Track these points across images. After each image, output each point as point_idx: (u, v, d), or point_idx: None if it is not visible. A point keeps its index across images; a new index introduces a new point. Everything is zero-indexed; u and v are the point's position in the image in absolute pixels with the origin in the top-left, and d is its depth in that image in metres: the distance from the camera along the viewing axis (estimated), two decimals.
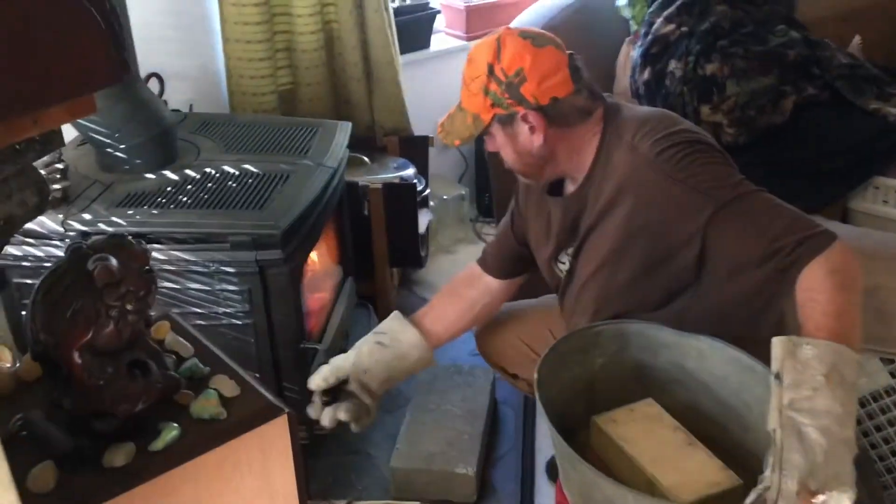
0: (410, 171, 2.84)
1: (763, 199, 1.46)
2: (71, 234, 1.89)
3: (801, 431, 1.14)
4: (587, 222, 1.66)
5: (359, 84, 2.93)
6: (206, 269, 1.92)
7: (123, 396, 1.10)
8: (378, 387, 1.91)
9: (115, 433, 1.11)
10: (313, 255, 2.25)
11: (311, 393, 1.90)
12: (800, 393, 1.16)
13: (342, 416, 1.85)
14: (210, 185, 2.06)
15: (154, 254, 1.90)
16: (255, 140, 2.32)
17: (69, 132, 2.18)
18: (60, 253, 1.93)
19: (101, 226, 1.89)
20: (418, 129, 3.09)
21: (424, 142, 3.04)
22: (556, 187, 1.75)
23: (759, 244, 1.41)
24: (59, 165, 1.92)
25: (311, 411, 1.89)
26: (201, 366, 1.25)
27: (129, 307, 1.10)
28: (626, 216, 1.56)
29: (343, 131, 2.39)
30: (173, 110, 2.46)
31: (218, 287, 1.94)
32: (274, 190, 2.03)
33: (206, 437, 1.06)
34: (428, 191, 2.94)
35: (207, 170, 2.11)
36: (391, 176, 2.78)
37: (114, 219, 1.90)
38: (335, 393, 1.91)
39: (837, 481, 1.11)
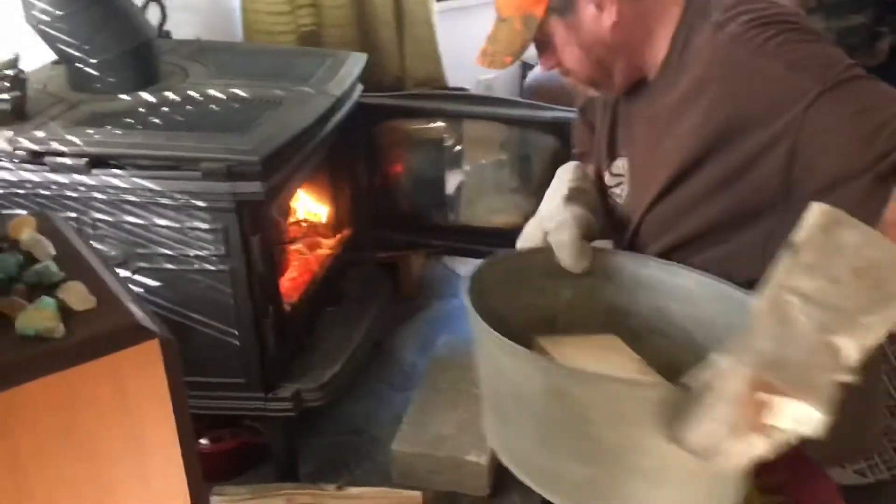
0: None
1: (881, 89, 1.09)
2: (19, 153, 1.63)
3: (789, 317, 0.85)
4: (658, 124, 1.29)
5: (389, 28, 2.64)
6: (174, 202, 1.63)
7: None
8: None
9: None
10: (312, 199, 1.95)
11: None
12: (813, 279, 0.86)
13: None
14: (189, 107, 1.77)
15: (115, 181, 1.63)
16: (253, 67, 2.03)
17: (47, 53, 1.92)
18: (9, 176, 1.67)
19: (54, 145, 1.62)
20: (454, 82, 2.77)
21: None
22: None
23: (866, 146, 1.04)
24: (9, 72, 1.64)
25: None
26: (55, 270, 0.93)
27: None
28: (707, 111, 1.18)
29: (356, 62, 2.08)
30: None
31: (188, 224, 1.65)
32: (262, 116, 1.73)
33: (30, 361, 0.74)
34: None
35: (190, 93, 1.83)
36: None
37: (69, 137, 1.62)
38: None
39: (806, 389, 0.82)
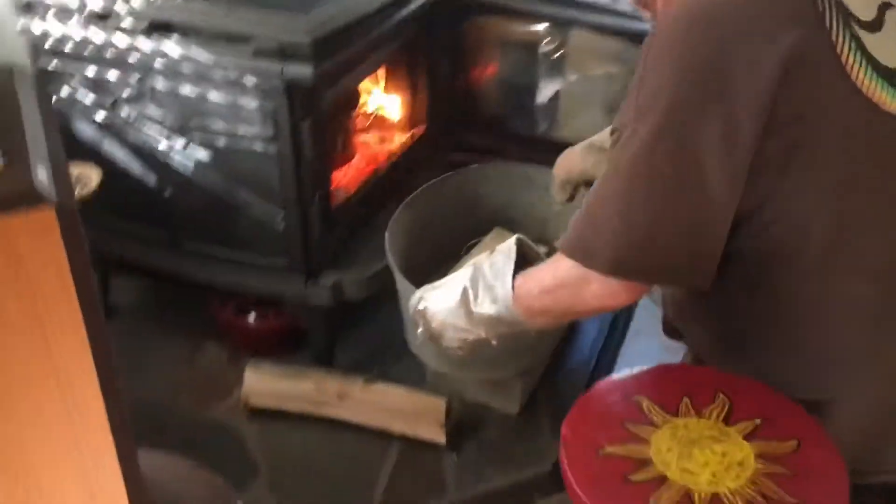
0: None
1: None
2: (86, 11, 1.65)
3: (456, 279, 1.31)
4: None
5: None
6: (226, 77, 1.61)
7: None
8: None
9: None
10: (379, 92, 1.89)
11: None
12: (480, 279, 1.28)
13: None
14: None
15: (172, 49, 1.62)
16: None
17: None
18: (77, 34, 1.70)
19: (118, 6, 1.62)
20: None
21: None
22: None
23: None
24: None
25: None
26: None
27: None
28: None
29: None
30: None
31: (239, 101, 1.64)
32: None
33: None
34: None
35: None
36: None
37: (132, 1, 1.62)
38: None
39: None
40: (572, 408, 1.23)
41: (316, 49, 1.54)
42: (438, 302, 1.33)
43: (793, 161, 1.04)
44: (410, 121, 2.15)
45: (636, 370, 1.30)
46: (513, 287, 1.22)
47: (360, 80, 1.82)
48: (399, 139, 2.13)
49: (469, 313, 1.28)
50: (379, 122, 2.14)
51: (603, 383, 1.28)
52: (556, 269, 1.17)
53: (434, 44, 2.07)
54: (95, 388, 0.79)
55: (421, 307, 1.36)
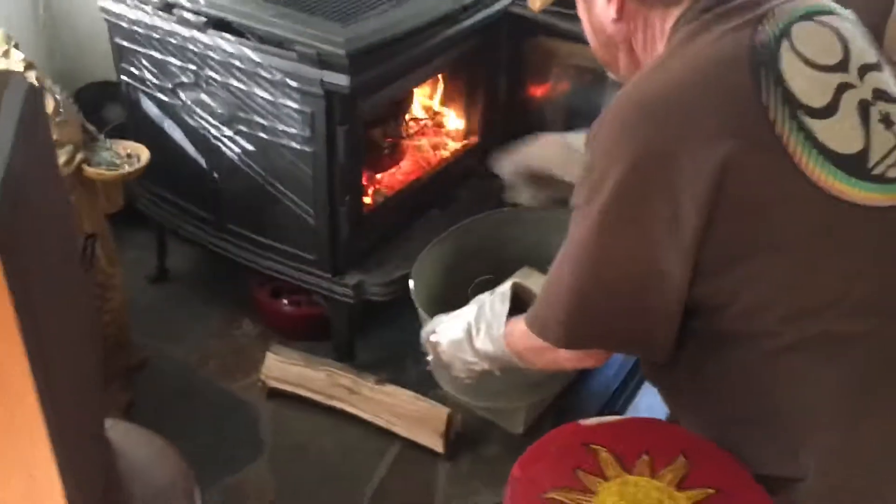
0: None
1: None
2: (153, 1, 1.76)
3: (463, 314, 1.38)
4: None
5: None
6: (272, 77, 1.69)
7: None
8: None
9: None
10: (425, 102, 1.93)
11: None
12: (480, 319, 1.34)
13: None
14: None
15: (225, 45, 1.71)
16: None
17: None
18: (146, 19, 1.81)
19: (180, 0, 1.72)
20: None
21: None
22: None
23: None
24: None
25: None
26: None
27: None
28: None
29: None
30: None
31: (282, 101, 1.71)
32: (378, 9, 1.72)
33: None
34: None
35: None
36: None
37: None
38: None
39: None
40: (530, 447, 1.26)
41: (352, 61, 1.59)
42: (447, 334, 1.40)
43: (743, 250, 1.04)
44: (464, 132, 2.18)
45: (608, 418, 1.31)
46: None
47: (407, 90, 1.86)
48: (450, 149, 2.16)
49: (473, 347, 1.34)
50: (432, 130, 2.18)
51: (569, 426, 1.28)
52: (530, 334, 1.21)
53: (495, 59, 2.09)
54: (24, 366, 0.86)
55: (433, 339, 1.43)
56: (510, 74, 2.14)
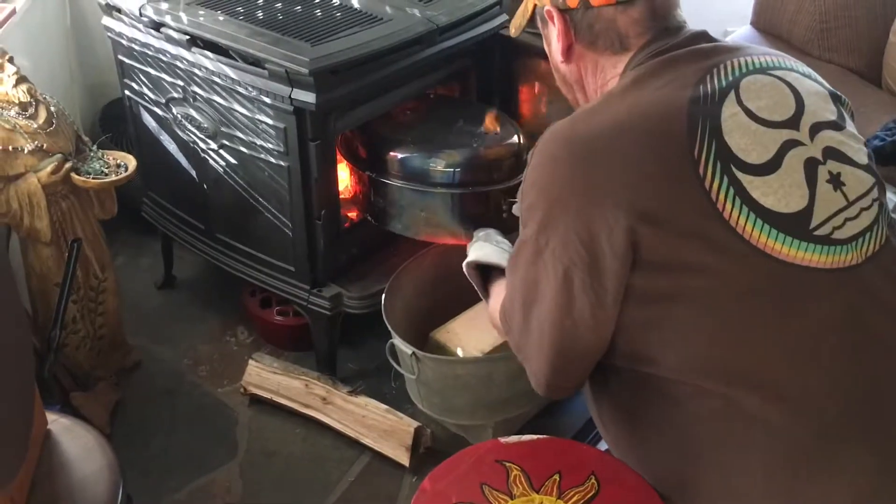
0: None
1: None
2: (144, 19, 1.85)
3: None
4: None
5: None
6: (247, 94, 1.76)
7: None
8: None
9: None
10: None
11: None
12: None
13: None
14: (298, 8, 1.86)
15: (206, 62, 1.79)
16: None
17: None
18: (140, 37, 1.90)
19: (168, 18, 1.81)
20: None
21: None
22: None
23: None
24: None
25: None
26: None
27: None
28: None
29: None
30: None
31: (258, 117, 1.78)
32: (350, 29, 1.77)
33: None
34: None
35: None
36: None
37: (181, 14, 1.80)
38: None
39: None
40: (446, 460, 1.27)
41: (318, 79, 1.64)
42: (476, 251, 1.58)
43: (666, 302, 1.02)
44: None
45: (529, 437, 1.31)
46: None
47: (386, 108, 1.89)
48: None
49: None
50: None
51: (489, 443, 1.30)
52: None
53: (488, 78, 2.11)
54: None
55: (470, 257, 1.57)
56: (503, 93, 2.16)
